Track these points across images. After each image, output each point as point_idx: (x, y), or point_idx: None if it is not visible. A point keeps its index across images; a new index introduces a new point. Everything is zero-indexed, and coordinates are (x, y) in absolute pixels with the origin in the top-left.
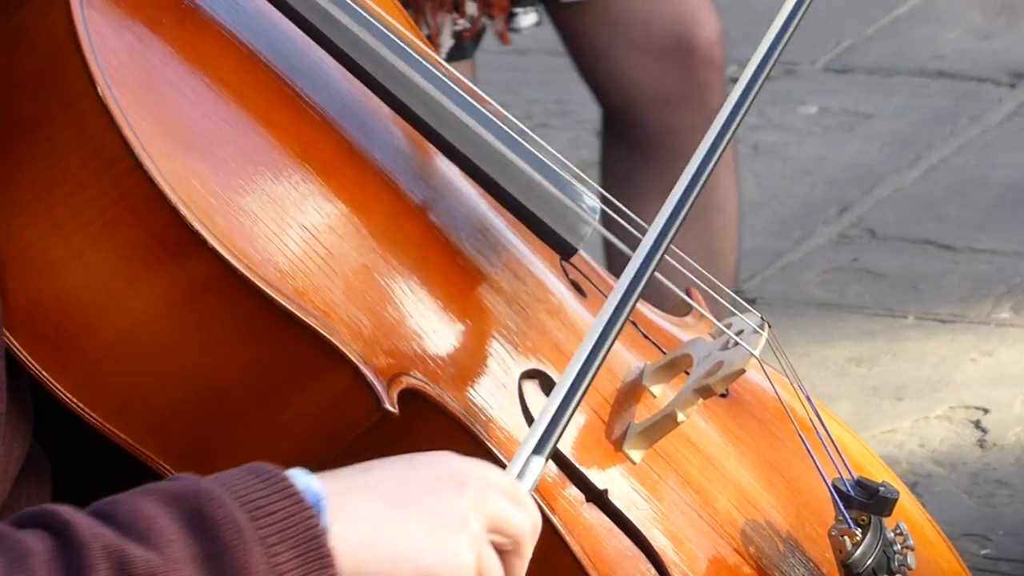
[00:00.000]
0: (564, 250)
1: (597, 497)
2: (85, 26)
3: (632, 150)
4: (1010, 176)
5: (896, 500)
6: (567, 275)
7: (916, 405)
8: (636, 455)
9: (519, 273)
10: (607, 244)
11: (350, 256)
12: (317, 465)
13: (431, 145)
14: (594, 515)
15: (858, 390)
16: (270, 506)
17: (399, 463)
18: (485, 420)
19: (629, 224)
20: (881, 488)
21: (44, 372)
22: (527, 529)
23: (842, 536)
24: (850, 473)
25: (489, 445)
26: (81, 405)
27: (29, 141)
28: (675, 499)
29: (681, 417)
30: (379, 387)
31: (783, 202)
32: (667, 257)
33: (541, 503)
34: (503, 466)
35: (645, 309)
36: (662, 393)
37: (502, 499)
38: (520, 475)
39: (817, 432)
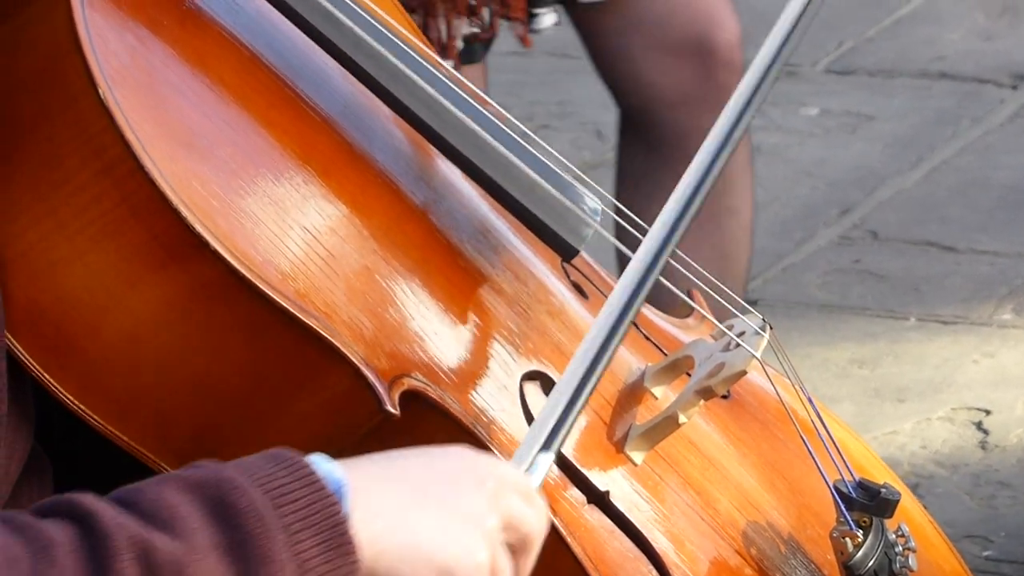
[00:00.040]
0: (565, 252)
1: (599, 499)
2: (86, 27)
3: (649, 150)
4: (1012, 177)
5: (898, 502)
6: (568, 277)
7: (918, 407)
8: (637, 457)
9: (520, 275)
10: (619, 249)
11: (351, 258)
12: None
13: (432, 147)
14: (595, 517)
15: (860, 392)
16: (292, 493)
17: (419, 454)
18: (486, 422)
19: (636, 226)
20: (883, 490)
21: (45, 374)
22: (538, 528)
23: (844, 538)
24: (852, 475)
25: (490, 447)
26: (82, 407)
27: (30, 142)
28: (677, 501)
29: (683, 419)
30: (380, 389)
31: (785, 203)
32: (670, 260)
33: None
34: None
35: (647, 311)
36: (663, 395)
37: (517, 497)
38: (528, 471)
39: (819, 433)
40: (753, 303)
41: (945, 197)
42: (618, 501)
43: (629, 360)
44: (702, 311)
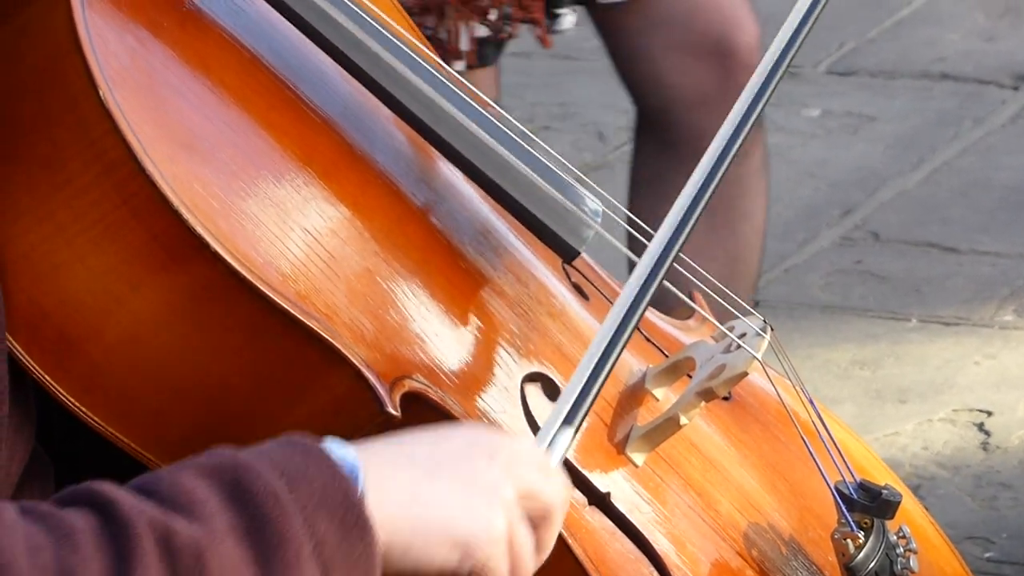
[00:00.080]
0: (566, 253)
1: (600, 500)
2: (87, 29)
3: (665, 150)
4: (1013, 178)
5: (899, 503)
6: (569, 278)
7: (919, 408)
8: (638, 458)
9: (521, 276)
10: (622, 250)
11: (352, 259)
12: None
13: (432, 148)
14: (596, 518)
15: (861, 393)
16: (307, 475)
17: (430, 434)
18: (488, 423)
19: (640, 229)
20: (884, 491)
21: (46, 375)
22: (557, 498)
23: (845, 539)
24: (853, 476)
25: None
26: (83, 408)
27: (31, 143)
28: (678, 502)
29: (684, 420)
30: (382, 390)
31: (786, 205)
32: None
33: None
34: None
35: (648, 313)
36: (665, 396)
37: (532, 469)
38: (550, 446)
39: (820, 435)
40: (755, 304)
41: (946, 198)
42: (619, 502)
43: (630, 362)
44: (703, 313)
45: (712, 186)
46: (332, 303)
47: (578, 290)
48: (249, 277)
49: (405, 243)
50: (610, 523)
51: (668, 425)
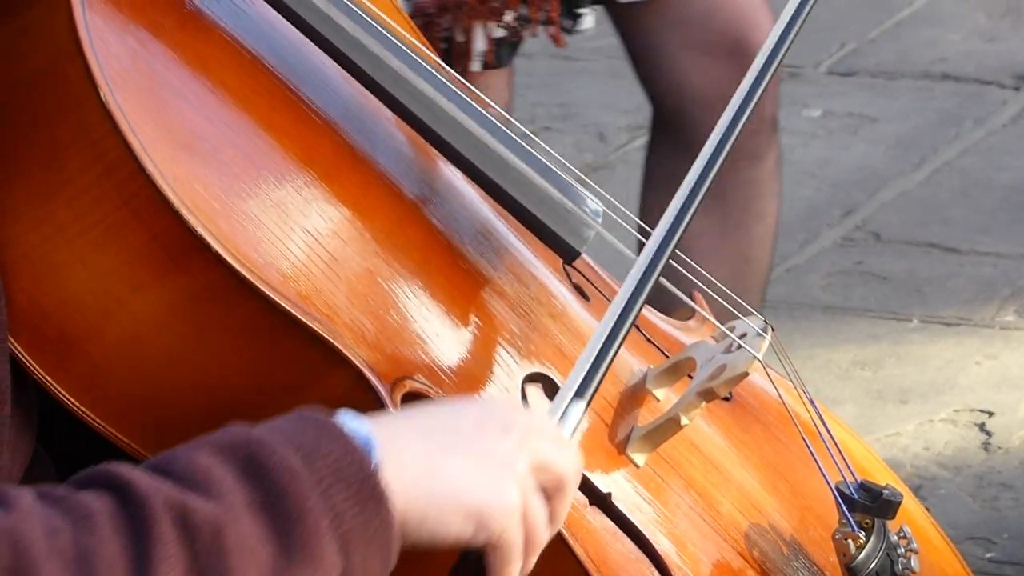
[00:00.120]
0: (567, 253)
1: (600, 500)
2: (87, 30)
3: (680, 150)
4: (1015, 179)
5: (900, 503)
6: (570, 279)
7: (920, 408)
8: (639, 458)
9: (522, 277)
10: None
11: (353, 260)
12: None
13: (433, 149)
14: (597, 519)
15: (862, 393)
16: (322, 449)
17: (445, 407)
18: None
19: (639, 229)
20: (885, 491)
21: (47, 376)
22: (570, 470)
23: (846, 539)
24: (854, 476)
25: None
26: (84, 409)
27: (32, 144)
28: (679, 502)
29: (684, 420)
30: (383, 391)
31: (788, 205)
32: (671, 263)
33: None
34: None
35: (648, 313)
36: (665, 397)
37: (546, 440)
38: (562, 418)
39: (821, 435)
40: (762, 305)
41: (948, 198)
42: (620, 503)
43: (631, 362)
44: (704, 313)
45: (722, 156)
46: (333, 304)
47: (579, 291)
48: (250, 278)
49: (406, 244)
50: (611, 523)
51: (669, 425)
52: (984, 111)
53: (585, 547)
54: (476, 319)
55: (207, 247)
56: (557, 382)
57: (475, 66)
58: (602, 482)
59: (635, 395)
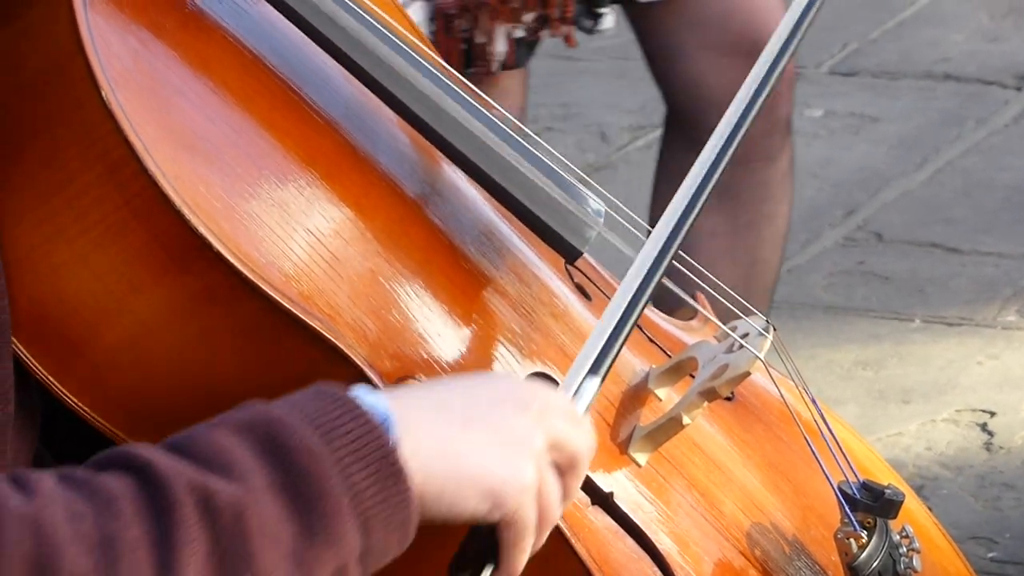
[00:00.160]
0: (569, 253)
1: (602, 500)
2: (89, 30)
3: (693, 148)
4: (1016, 179)
5: (902, 502)
6: (572, 279)
7: (922, 408)
8: (641, 458)
9: (524, 277)
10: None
11: (355, 260)
12: None
13: (435, 149)
14: (600, 518)
15: (864, 393)
16: (342, 427)
17: (462, 382)
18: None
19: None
20: (887, 490)
21: (49, 376)
22: (585, 447)
23: (848, 539)
24: (856, 476)
25: None
26: (87, 409)
27: (33, 145)
28: (681, 502)
29: (686, 420)
30: None
31: None
32: (675, 263)
33: None
34: None
35: (650, 313)
36: (667, 396)
37: (561, 418)
38: (575, 394)
39: (822, 435)
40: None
41: (950, 198)
42: (622, 502)
43: (633, 362)
44: (706, 313)
45: (717, 172)
46: (335, 303)
47: (581, 290)
48: (251, 277)
49: (408, 244)
50: (613, 523)
51: (671, 425)
52: (986, 111)
53: (587, 546)
54: (478, 318)
55: (208, 247)
56: (559, 381)
57: (494, 67)
58: (604, 481)
59: (637, 395)
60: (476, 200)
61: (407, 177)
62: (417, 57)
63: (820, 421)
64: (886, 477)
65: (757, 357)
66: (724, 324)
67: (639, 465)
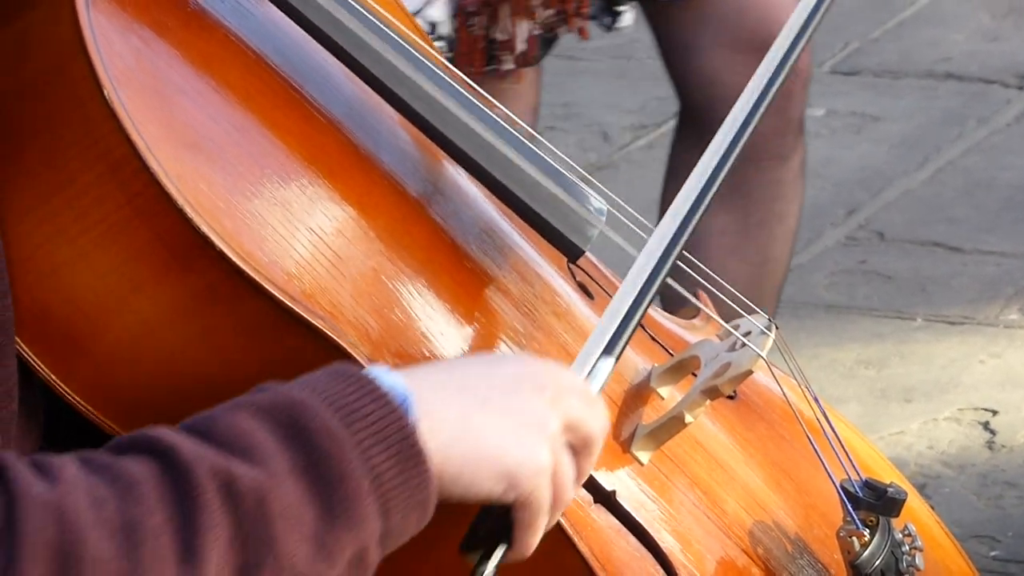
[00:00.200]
0: (571, 252)
1: (605, 498)
2: (91, 29)
3: (703, 146)
4: (1018, 178)
5: (904, 501)
6: (574, 277)
7: (925, 407)
8: (644, 456)
9: (526, 275)
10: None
11: (357, 259)
12: None
13: (437, 148)
14: (602, 516)
15: (867, 392)
16: (362, 409)
17: (478, 362)
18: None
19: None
20: (889, 489)
21: (52, 375)
22: (598, 430)
23: (850, 537)
24: (858, 474)
25: None
26: (90, 407)
27: (36, 144)
28: (683, 500)
29: (689, 418)
30: None
31: None
32: (678, 263)
33: None
34: None
35: (652, 312)
36: (670, 395)
37: (576, 400)
38: (590, 375)
39: (825, 433)
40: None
41: (951, 198)
42: (625, 501)
43: (635, 360)
44: (708, 311)
45: (724, 167)
46: (337, 302)
47: (583, 289)
48: (254, 276)
49: (410, 242)
50: (616, 521)
51: (673, 423)
52: (987, 110)
53: (589, 545)
54: (480, 317)
55: (211, 245)
56: None
57: (513, 63)
58: (606, 480)
59: (639, 393)
60: (478, 198)
61: (409, 176)
62: (419, 55)
63: (822, 420)
64: (888, 476)
65: (759, 355)
66: (727, 323)
67: (641, 464)
